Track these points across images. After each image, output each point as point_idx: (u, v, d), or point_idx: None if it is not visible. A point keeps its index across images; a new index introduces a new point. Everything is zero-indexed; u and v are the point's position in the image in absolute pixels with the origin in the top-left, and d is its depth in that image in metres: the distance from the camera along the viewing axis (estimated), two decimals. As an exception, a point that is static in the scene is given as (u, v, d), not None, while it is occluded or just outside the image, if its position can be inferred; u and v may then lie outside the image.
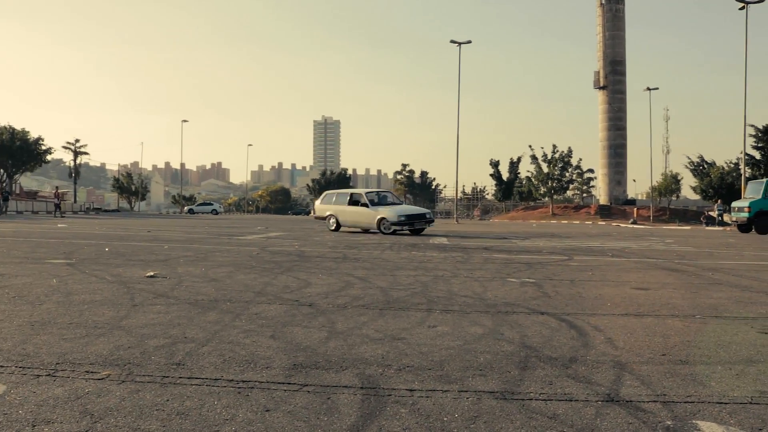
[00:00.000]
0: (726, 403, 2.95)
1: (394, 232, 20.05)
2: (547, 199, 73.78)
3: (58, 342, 3.90)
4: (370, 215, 20.72)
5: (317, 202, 23.72)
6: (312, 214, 24.16)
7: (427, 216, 21.30)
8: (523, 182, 77.44)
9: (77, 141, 79.41)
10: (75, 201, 75.14)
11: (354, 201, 21.52)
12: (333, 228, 21.90)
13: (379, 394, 2.99)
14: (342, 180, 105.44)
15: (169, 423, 2.56)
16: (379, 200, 21.42)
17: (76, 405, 2.75)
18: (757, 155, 51.13)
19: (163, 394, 2.93)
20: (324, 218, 22.55)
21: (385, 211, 20.32)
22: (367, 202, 20.99)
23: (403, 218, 20.03)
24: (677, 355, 3.86)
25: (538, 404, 2.88)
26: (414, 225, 20.49)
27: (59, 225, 24.18)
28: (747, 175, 43.53)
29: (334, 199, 22.55)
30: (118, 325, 4.46)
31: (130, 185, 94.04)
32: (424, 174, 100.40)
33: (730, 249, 15.83)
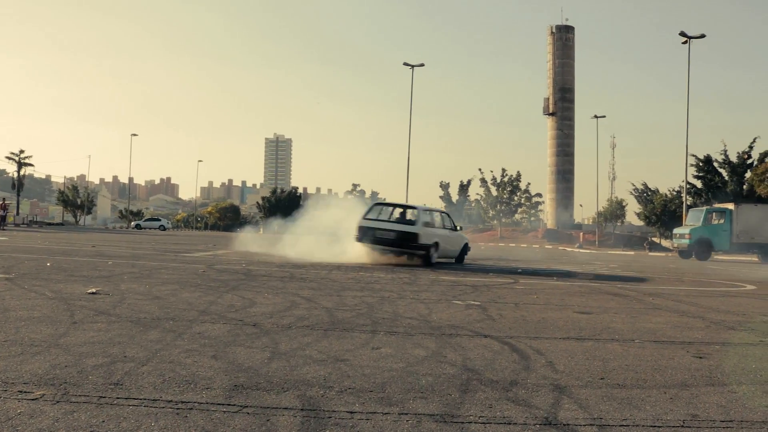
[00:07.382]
0: (659, 427, 3.02)
1: None
2: (495, 222, 74.65)
3: (-9, 360, 3.79)
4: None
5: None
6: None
7: None
8: (473, 205, 78.29)
9: (22, 152, 77.51)
10: (18, 213, 73.28)
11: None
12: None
13: (320, 416, 2.98)
14: (293, 198, 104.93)
15: (103, 444, 2.51)
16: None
17: (5, 427, 2.67)
18: (698, 184, 52.59)
19: (99, 414, 2.87)
20: None
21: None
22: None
23: None
24: (615, 379, 3.95)
25: (477, 427, 2.91)
26: None
27: (-1, 238, 23.52)
28: (688, 203, 44.91)
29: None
30: (56, 343, 4.35)
31: (76, 198, 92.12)
32: (374, 194, 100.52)
33: (671, 274, 16.22)
